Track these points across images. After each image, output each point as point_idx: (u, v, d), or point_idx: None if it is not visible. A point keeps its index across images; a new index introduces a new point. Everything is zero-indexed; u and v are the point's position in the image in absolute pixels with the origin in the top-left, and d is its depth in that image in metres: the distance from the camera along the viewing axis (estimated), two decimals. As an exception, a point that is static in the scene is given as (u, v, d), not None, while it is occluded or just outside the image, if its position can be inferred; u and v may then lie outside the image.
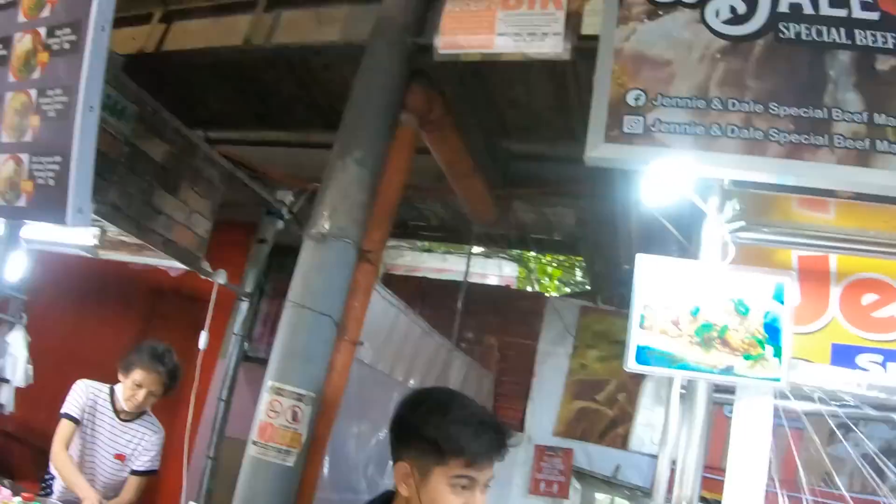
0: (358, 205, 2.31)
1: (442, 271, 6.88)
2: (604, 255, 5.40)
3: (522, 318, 6.09)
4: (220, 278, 3.65)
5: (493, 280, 6.77)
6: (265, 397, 2.18)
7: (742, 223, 2.01)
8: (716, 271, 1.97)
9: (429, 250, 7.05)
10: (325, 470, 2.62)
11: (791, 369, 1.92)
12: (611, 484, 5.89)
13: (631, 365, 1.90)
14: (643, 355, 1.91)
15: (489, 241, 5.98)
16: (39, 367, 5.00)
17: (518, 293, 6.90)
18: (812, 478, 4.99)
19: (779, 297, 1.95)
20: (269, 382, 2.19)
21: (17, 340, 4.94)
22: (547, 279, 7.68)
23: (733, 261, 2.00)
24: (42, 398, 5.01)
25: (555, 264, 7.67)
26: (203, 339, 3.70)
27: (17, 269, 4.37)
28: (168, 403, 4.03)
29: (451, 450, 1.81)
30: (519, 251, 7.12)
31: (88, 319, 6.08)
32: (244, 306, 3.93)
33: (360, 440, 2.93)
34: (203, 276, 3.63)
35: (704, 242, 2.02)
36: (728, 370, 1.89)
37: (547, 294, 6.70)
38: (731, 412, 2.06)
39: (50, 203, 2.54)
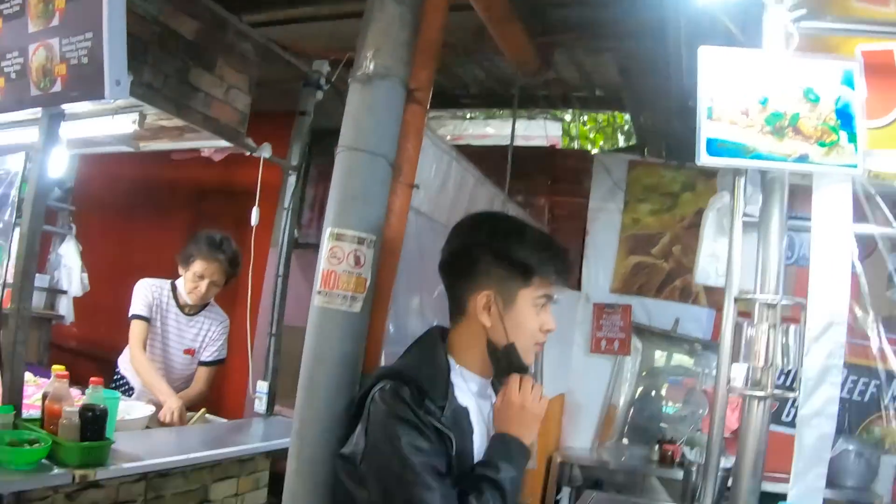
0: (401, 43, 2.23)
1: (485, 137, 6.77)
2: (649, 105, 5.25)
3: (570, 177, 5.99)
4: (265, 152, 3.62)
5: (537, 142, 6.65)
6: (325, 245, 2.17)
7: (803, 11, 1.90)
8: (782, 59, 1.86)
9: (471, 118, 6.93)
10: (391, 326, 2.62)
11: (867, 157, 1.85)
12: (670, 338, 5.91)
13: (703, 159, 1.83)
14: (714, 147, 1.83)
15: (531, 102, 5.85)
16: (93, 276, 5.11)
17: (564, 152, 6.79)
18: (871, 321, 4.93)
19: (848, 83, 1.85)
20: (328, 230, 2.17)
21: (70, 251, 5.05)
22: (590, 145, 7.52)
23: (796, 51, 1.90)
24: (99, 307, 5.14)
25: (596, 129, 7.50)
26: (255, 215, 3.71)
27: (60, 166, 4.40)
28: (228, 294, 4.09)
29: (537, 270, 1.84)
30: (560, 117, 6.98)
31: (136, 223, 6.18)
32: (292, 180, 3.91)
33: (422, 292, 2.93)
34: (247, 153, 3.60)
35: (767, 32, 1.91)
36: (803, 158, 1.81)
37: (593, 151, 6.56)
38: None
39: (86, 81, 2.52)
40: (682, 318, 5.77)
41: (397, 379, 1.78)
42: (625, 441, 5.92)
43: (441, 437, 1.73)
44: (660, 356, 6.10)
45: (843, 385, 5.16)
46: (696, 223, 5.63)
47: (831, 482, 4.85)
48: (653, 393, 6.05)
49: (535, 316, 1.87)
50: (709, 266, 2.98)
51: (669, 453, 5.23)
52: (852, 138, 1.83)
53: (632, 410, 6.03)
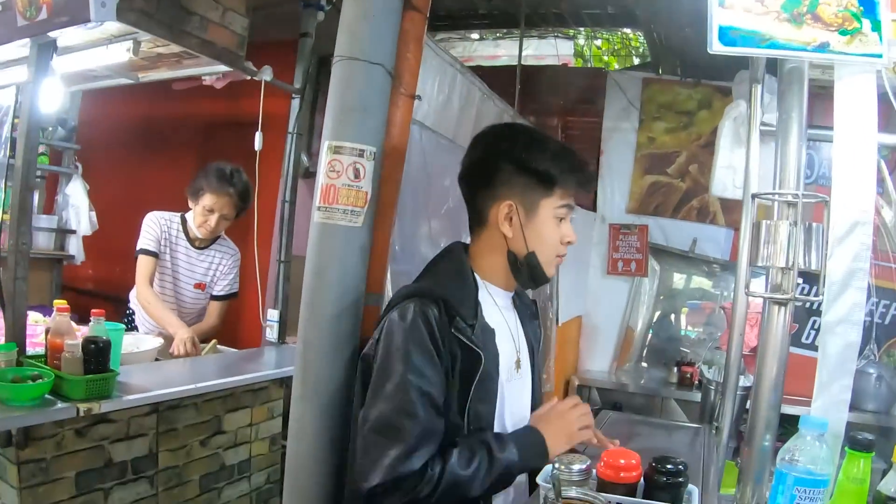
0: (396, -53, 2.10)
1: (495, 58, 6.59)
2: (663, 19, 5.06)
3: (584, 96, 5.84)
4: (266, 75, 3.50)
5: (549, 62, 6.46)
6: (324, 159, 2.07)
7: None
8: (801, -60, 1.73)
9: (480, 39, 6.74)
10: (396, 245, 2.54)
11: (892, 46, 1.72)
12: (689, 259, 5.83)
13: (715, 47, 1.70)
14: (726, 35, 1.69)
15: (541, 20, 5.66)
16: (101, 215, 5.06)
17: (576, 70, 6.59)
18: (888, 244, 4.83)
19: (872, -35, 1.71)
20: (325, 143, 2.07)
21: (77, 190, 5.01)
22: (604, 66, 7.31)
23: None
24: (110, 245, 5.09)
25: (611, 52, 7.28)
26: (258, 140, 3.61)
27: (55, 100, 4.31)
28: (239, 226, 4.01)
29: (559, 180, 1.82)
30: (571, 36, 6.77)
31: (142, 159, 6.10)
32: (296, 103, 3.80)
33: (430, 209, 2.84)
34: (248, 77, 3.49)
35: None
36: (823, 47, 1.67)
37: (607, 69, 6.37)
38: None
39: (71, 5, 2.44)
40: (700, 238, 5.68)
41: (426, 297, 1.75)
42: (643, 364, 5.90)
43: (471, 355, 1.73)
44: (678, 279, 6.03)
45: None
46: (712, 141, 5.46)
47: (850, 405, 4.82)
48: (672, 316, 6.00)
49: (555, 227, 1.85)
50: (725, 178, 2.87)
51: (688, 375, 5.20)
52: (876, 26, 1.69)
53: (650, 333, 5.99)
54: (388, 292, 2.45)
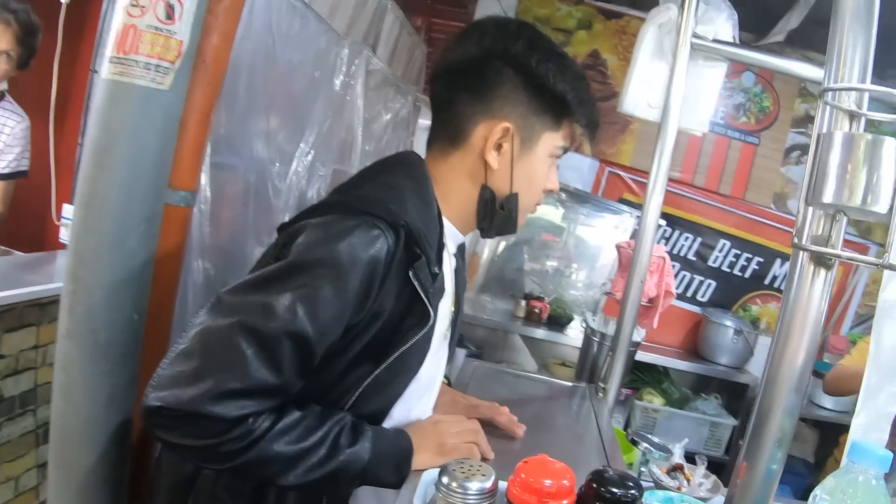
0: None
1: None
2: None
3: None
4: None
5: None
6: (123, -13, 1.38)
7: None
8: None
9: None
10: (222, 128, 1.91)
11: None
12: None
13: None
14: None
15: None
16: None
17: (447, -34, 5.96)
18: (762, 197, 4.66)
19: None
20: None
21: None
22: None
23: None
24: None
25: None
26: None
27: None
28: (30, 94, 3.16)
29: (572, 111, 1.42)
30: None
31: None
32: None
33: (270, 99, 2.20)
34: None
35: None
36: None
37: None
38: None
39: None
40: (563, 166, 5.26)
41: (382, 218, 1.26)
42: (485, 296, 5.48)
43: (417, 312, 1.30)
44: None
45: (717, 259, 5.01)
46: (588, 65, 5.10)
47: (704, 358, 4.77)
48: (522, 246, 5.61)
49: (547, 169, 1.48)
50: (639, 94, 2.40)
51: (537, 310, 4.84)
52: None
53: (495, 261, 5.57)
54: (206, 193, 1.81)
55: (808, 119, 4.92)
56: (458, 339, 1.66)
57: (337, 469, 1.22)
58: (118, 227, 1.37)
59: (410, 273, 1.26)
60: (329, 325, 1.20)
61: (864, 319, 5.06)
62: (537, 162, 1.43)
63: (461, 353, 4.49)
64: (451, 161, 1.45)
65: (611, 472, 1.00)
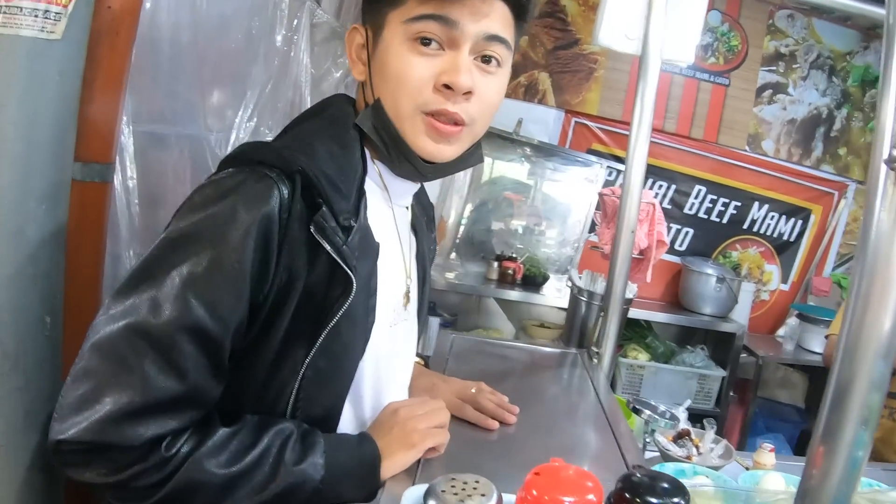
0: None
1: None
2: None
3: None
4: None
5: None
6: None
7: None
8: None
9: None
10: (143, 91, 1.66)
11: None
12: (513, 141, 5.19)
13: None
14: None
15: None
16: None
17: None
18: (736, 139, 4.49)
19: None
20: None
21: None
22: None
23: None
24: None
25: None
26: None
27: None
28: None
29: None
30: None
31: None
32: None
33: (200, 58, 1.93)
34: None
35: None
36: None
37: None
38: None
39: None
40: (526, 118, 5.03)
41: (271, 165, 1.04)
42: (453, 256, 5.24)
43: (334, 276, 1.07)
44: (500, 165, 5.38)
45: (693, 206, 4.84)
46: (547, 12, 4.84)
47: (687, 308, 4.61)
48: (490, 205, 5.37)
49: (409, 54, 1.11)
50: (615, 25, 2.18)
51: (510, 272, 4.63)
52: None
53: (463, 223, 5.34)
54: (131, 168, 1.57)
55: (779, 57, 4.73)
56: (427, 307, 1.44)
57: (284, 491, 1.01)
58: (13, 211, 1.12)
59: (312, 227, 1.04)
60: (227, 307, 0.99)
61: (846, 259, 4.94)
62: (390, 51, 1.12)
63: (434, 322, 4.28)
64: (360, 95, 1.24)
65: (645, 479, 0.79)
